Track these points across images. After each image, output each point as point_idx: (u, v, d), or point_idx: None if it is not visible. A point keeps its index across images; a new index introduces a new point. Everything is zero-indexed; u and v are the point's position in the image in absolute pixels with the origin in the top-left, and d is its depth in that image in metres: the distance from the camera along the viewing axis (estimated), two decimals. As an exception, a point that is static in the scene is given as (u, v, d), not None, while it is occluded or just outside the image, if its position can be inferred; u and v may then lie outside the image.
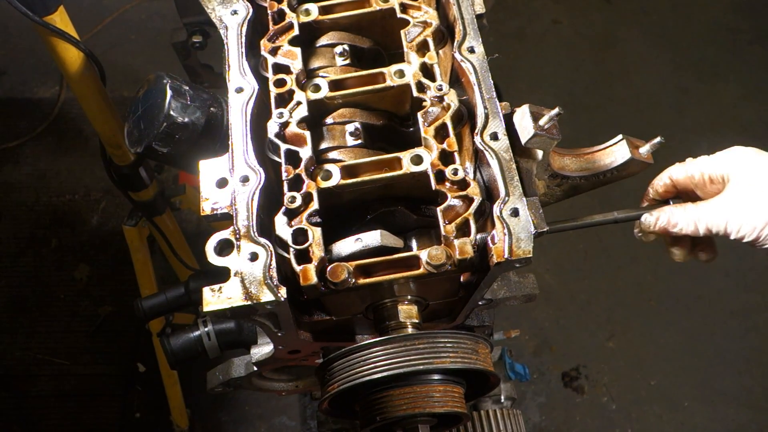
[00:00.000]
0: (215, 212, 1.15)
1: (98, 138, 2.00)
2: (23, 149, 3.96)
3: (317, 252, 1.09)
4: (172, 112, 1.36)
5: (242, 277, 1.06)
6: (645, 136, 1.37)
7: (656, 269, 3.70)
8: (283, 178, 1.17)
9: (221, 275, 1.07)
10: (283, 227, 1.11)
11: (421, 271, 1.09)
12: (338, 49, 1.35)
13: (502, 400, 2.09)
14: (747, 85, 4.32)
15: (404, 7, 1.36)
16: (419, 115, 1.23)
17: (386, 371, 1.09)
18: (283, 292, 1.05)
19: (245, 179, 1.16)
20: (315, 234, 1.10)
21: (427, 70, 1.29)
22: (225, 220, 1.14)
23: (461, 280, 1.25)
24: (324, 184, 1.16)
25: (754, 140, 1.31)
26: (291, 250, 1.09)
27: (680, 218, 1.26)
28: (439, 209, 1.13)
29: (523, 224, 1.10)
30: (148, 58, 4.15)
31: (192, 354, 1.55)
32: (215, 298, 1.05)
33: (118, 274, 3.56)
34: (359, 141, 1.25)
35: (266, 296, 1.04)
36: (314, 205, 1.14)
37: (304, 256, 1.09)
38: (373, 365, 1.10)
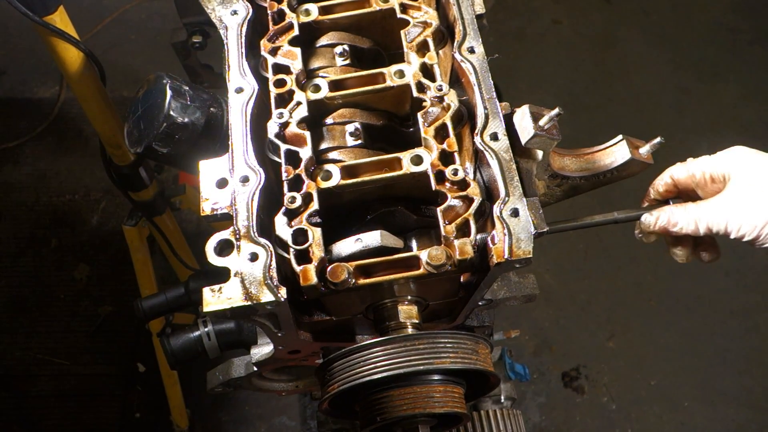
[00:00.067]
0: (215, 212, 1.15)
1: (98, 138, 2.00)
2: (23, 149, 3.96)
3: (317, 252, 1.09)
4: (172, 113, 1.36)
5: (242, 277, 1.06)
6: (645, 136, 1.37)
7: (656, 269, 3.70)
8: (283, 178, 1.17)
9: (221, 275, 1.07)
10: (283, 227, 1.11)
11: (421, 271, 1.09)
12: (338, 49, 1.35)
13: (502, 400, 2.09)
14: (747, 85, 4.32)
15: (404, 8, 1.36)
16: (419, 115, 1.23)
17: (386, 371, 1.09)
18: (283, 292, 1.05)
19: (245, 179, 1.16)
20: (315, 234, 1.10)
21: (427, 71, 1.29)
22: (225, 220, 1.14)
23: (461, 280, 1.25)
24: (324, 185, 1.16)
25: (754, 140, 1.31)
26: (291, 250, 1.09)
27: (680, 217, 1.26)
28: (439, 209, 1.13)
29: (523, 224, 1.10)
30: (148, 58, 4.15)
31: (192, 354, 1.55)
32: (215, 299, 1.05)
33: (118, 274, 3.56)
34: (359, 141, 1.25)
35: (266, 296, 1.04)
36: (314, 205, 1.14)
37: (304, 257, 1.09)
38: (373, 365, 1.10)
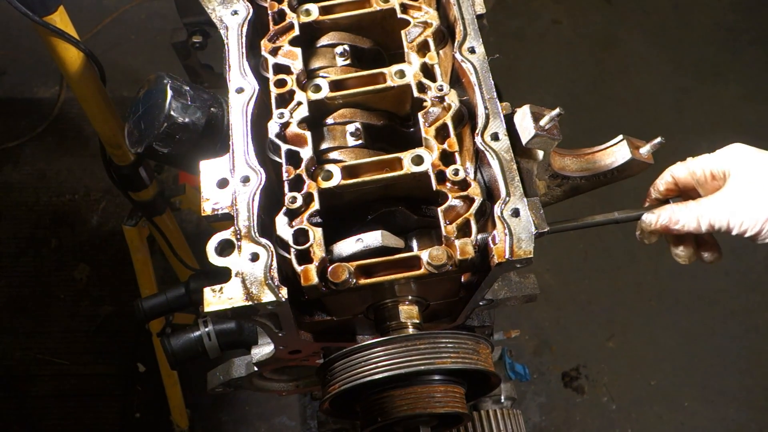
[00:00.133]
0: (216, 212, 1.15)
1: (98, 138, 2.00)
2: (23, 149, 3.96)
3: (318, 252, 1.09)
4: (172, 113, 1.36)
5: (243, 277, 1.06)
6: (645, 136, 1.37)
7: (656, 269, 3.70)
8: (284, 178, 1.17)
9: (222, 275, 1.07)
10: (284, 227, 1.11)
11: (422, 271, 1.09)
12: (339, 49, 1.35)
13: (503, 400, 2.09)
14: (747, 85, 4.32)
15: (405, 8, 1.36)
16: (420, 115, 1.23)
17: (387, 372, 1.09)
18: (284, 292, 1.05)
19: (246, 179, 1.16)
20: (316, 234, 1.10)
21: (427, 71, 1.29)
22: (226, 220, 1.14)
23: (462, 280, 1.25)
24: (325, 185, 1.16)
25: (755, 140, 1.31)
26: (292, 250, 1.09)
27: (682, 215, 1.26)
28: (439, 209, 1.13)
29: (523, 224, 1.10)
30: (148, 58, 4.15)
31: (192, 354, 1.55)
32: (216, 299, 1.05)
33: (118, 274, 3.56)
34: (360, 141, 1.25)
35: (267, 297, 1.04)
36: (315, 205, 1.13)
37: (305, 257, 1.09)
38: (374, 366, 1.10)
